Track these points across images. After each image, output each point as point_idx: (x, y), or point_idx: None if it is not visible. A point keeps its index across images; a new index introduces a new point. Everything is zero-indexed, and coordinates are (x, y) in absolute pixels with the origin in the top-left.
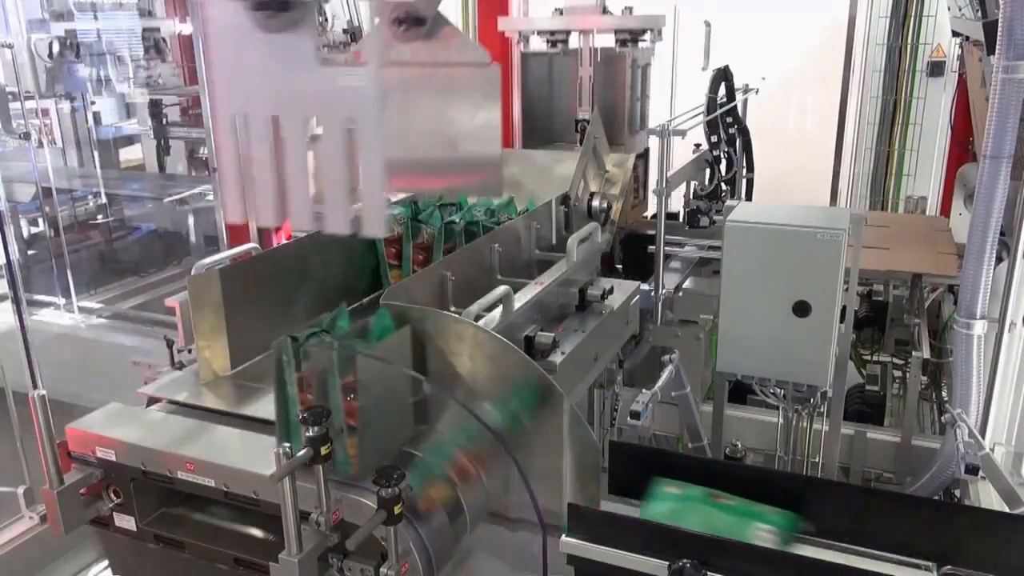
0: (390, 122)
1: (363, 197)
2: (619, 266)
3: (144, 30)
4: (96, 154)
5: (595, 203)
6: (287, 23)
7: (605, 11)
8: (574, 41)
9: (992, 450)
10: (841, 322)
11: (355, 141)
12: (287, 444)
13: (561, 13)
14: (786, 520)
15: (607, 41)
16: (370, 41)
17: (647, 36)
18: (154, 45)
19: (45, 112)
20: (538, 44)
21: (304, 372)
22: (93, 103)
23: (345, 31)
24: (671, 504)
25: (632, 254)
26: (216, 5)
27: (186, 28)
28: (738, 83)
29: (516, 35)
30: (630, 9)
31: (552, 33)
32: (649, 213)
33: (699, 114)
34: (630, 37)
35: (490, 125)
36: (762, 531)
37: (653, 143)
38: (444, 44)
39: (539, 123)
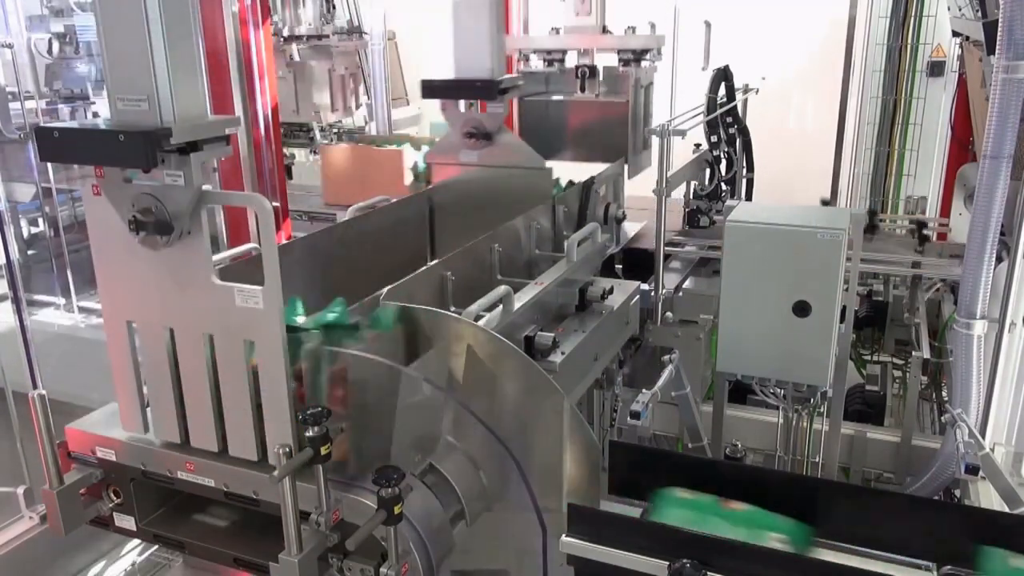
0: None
1: (269, 424)
2: (619, 266)
3: None
4: None
5: (611, 211)
6: (173, 241)
7: (605, 31)
8: (570, 60)
9: (992, 450)
10: (841, 322)
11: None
12: (288, 444)
13: (559, 32)
14: (798, 530)
15: (609, 60)
16: (271, 259)
17: (649, 55)
18: None
19: (45, 112)
20: (537, 63)
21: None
22: (93, 103)
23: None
24: (684, 512)
25: (632, 258)
26: (97, 211)
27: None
28: (738, 83)
29: (516, 53)
30: (633, 29)
31: (549, 52)
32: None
33: (699, 114)
34: (633, 57)
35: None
36: (775, 540)
37: (653, 143)
38: (504, 149)
39: (538, 138)
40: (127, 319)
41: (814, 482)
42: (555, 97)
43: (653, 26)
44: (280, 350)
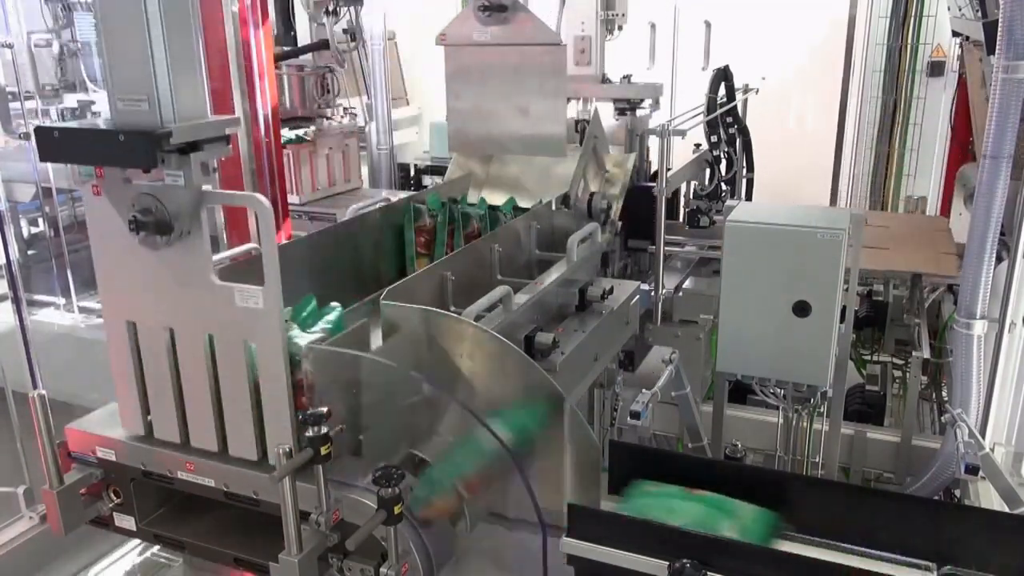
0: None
1: (269, 424)
2: (619, 221)
3: None
4: None
5: (595, 203)
6: (173, 241)
7: (605, 80)
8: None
9: (992, 450)
10: (841, 322)
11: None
12: (287, 444)
13: None
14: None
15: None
16: (271, 259)
17: (646, 104)
18: None
19: (45, 112)
20: None
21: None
22: (93, 102)
23: (345, 31)
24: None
25: (635, 211)
26: (98, 212)
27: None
28: (738, 83)
29: None
30: (628, 78)
31: None
32: None
33: (699, 114)
34: (628, 106)
35: (556, 93)
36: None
37: (653, 143)
38: (519, 27)
39: None
40: (128, 319)
41: (813, 481)
42: None
43: (653, 26)
44: (280, 350)
